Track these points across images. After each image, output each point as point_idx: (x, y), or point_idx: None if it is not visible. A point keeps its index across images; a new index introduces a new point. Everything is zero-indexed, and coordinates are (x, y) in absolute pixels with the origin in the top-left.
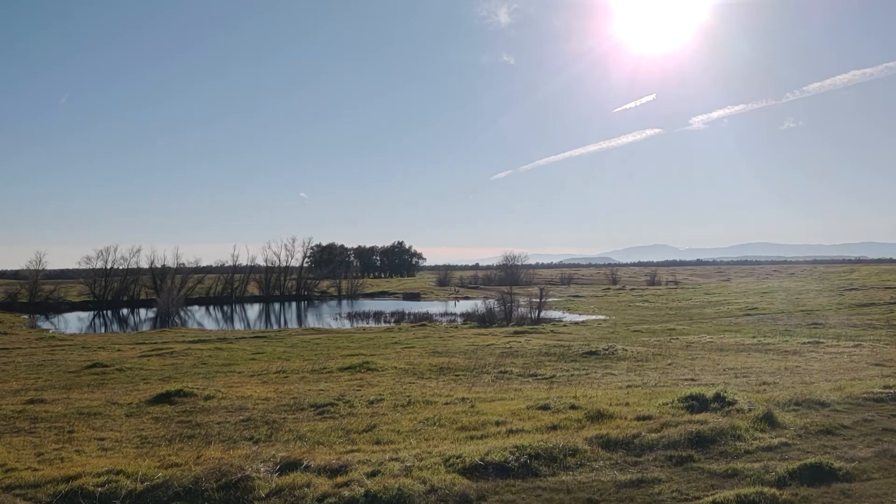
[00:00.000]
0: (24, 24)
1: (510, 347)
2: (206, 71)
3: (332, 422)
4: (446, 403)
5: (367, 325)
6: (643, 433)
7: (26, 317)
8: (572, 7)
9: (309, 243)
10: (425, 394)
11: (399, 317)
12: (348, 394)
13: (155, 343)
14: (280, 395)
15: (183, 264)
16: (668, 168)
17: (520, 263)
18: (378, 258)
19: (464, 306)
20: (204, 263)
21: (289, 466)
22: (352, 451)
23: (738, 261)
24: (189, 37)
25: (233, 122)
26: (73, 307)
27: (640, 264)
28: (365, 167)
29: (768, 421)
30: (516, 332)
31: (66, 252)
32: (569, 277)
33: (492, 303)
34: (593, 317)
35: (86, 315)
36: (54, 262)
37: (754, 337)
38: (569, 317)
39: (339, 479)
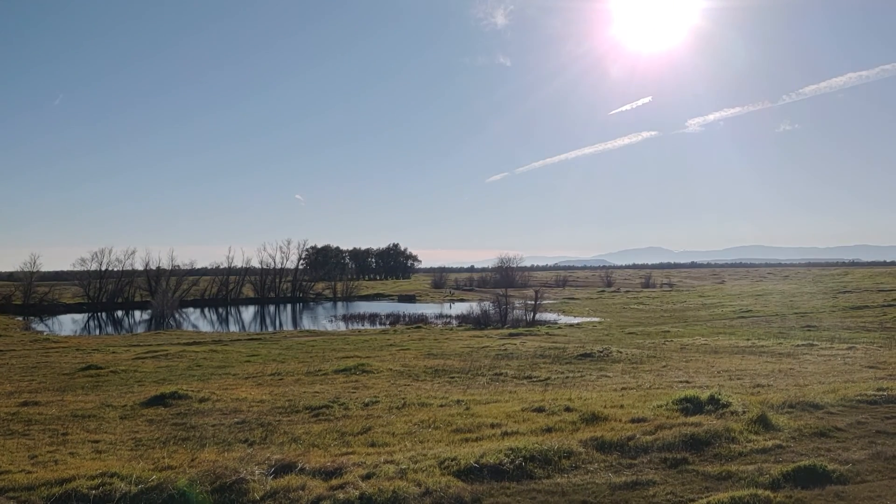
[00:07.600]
0: (18, 21)
1: (505, 350)
2: (203, 68)
3: (327, 424)
4: (441, 406)
5: (363, 328)
6: (638, 435)
7: (20, 319)
8: (569, 10)
9: (304, 245)
10: (420, 396)
11: (394, 319)
12: (343, 396)
13: (149, 345)
14: (275, 398)
15: (178, 266)
16: (664, 170)
17: (515, 266)
18: (373, 260)
19: (459, 308)
20: (199, 265)
21: (283, 469)
22: (347, 453)
23: (732, 263)
24: (187, 35)
25: (227, 124)
26: (68, 309)
27: (634, 267)
28: (360, 169)
29: (762, 423)
30: (511, 335)
31: (60, 254)
32: (564, 280)
33: (487, 305)
34: (588, 319)
35: (80, 317)
36: (49, 264)
37: (748, 339)
38: (564, 319)
39: (334, 482)
